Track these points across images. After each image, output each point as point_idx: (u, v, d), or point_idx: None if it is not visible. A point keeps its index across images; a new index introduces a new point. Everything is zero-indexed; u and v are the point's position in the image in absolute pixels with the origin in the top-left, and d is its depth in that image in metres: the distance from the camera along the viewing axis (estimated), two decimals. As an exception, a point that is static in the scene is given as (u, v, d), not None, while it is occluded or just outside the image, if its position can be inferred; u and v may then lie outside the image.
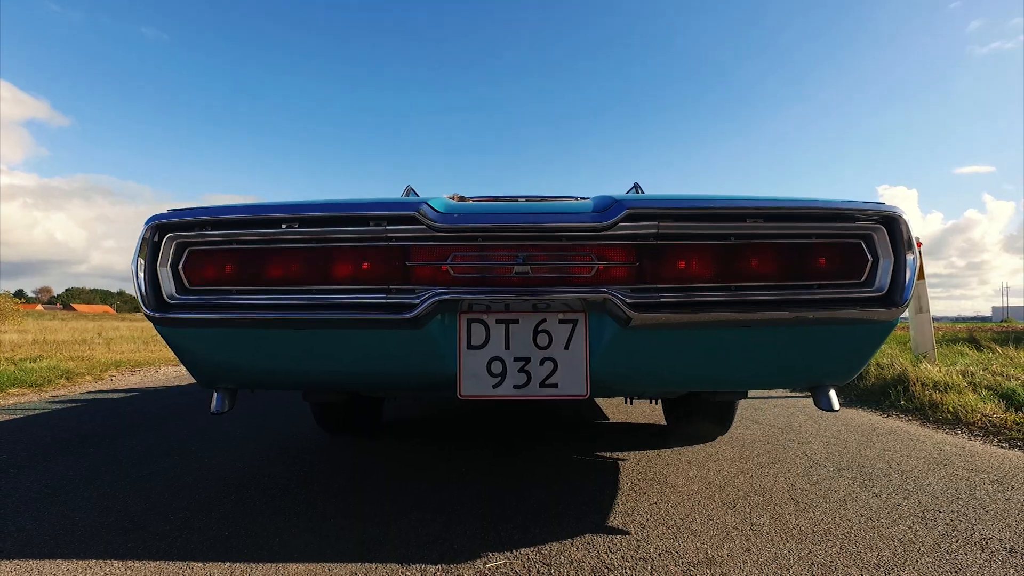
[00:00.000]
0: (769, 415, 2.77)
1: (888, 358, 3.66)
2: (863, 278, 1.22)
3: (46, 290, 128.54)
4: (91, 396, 3.38)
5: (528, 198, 3.25)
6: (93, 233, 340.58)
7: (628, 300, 1.19)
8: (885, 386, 3.16)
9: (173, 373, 4.84)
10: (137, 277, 1.27)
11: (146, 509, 1.45)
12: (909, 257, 1.20)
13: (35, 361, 4.51)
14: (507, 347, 1.28)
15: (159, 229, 1.26)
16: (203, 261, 1.28)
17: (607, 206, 1.23)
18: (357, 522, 1.38)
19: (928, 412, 2.70)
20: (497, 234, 1.23)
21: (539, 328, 1.29)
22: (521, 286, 1.23)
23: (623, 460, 1.91)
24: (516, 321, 1.29)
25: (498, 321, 1.29)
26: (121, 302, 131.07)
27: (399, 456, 2.00)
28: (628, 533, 1.31)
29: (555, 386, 1.28)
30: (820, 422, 2.60)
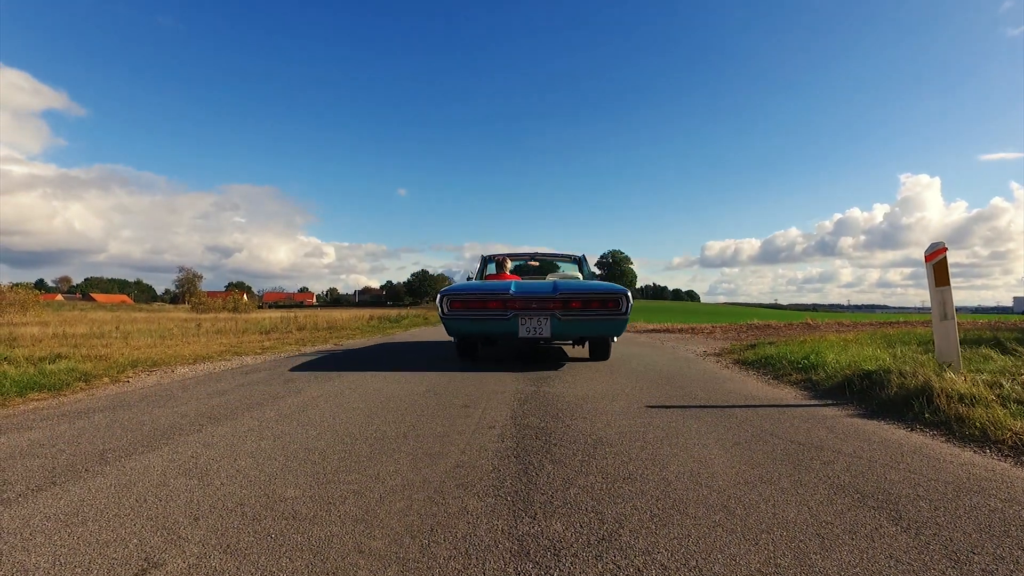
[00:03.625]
0: (789, 428, 2.71)
1: (911, 365, 3.57)
2: (620, 309, 4.87)
3: (66, 279, 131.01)
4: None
5: (533, 255, 7.99)
6: (111, 223, 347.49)
7: (559, 313, 4.88)
8: (908, 396, 3.07)
9: (189, 372, 4.90)
10: (439, 307, 5.01)
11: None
12: (629, 304, 4.84)
13: (53, 362, 4.58)
14: (531, 323, 4.89)
15: (442, 294, 5.05)
16: (452, 302, 5.00)
17: (555, 287, 5.04)
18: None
19: (954, 427, 2.62)
20: (528, 298, 4.96)
21: (540, 320, 4.89)
22: (533, 310, 4.95)
23: (621, 456, 1.89)
24: (533, 318, 4.90)
25: (529, 318, 4.90)
26: (139, 291, 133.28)
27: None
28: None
29: (541, 334, 4.87)
30: (842, 437, 2.53)
